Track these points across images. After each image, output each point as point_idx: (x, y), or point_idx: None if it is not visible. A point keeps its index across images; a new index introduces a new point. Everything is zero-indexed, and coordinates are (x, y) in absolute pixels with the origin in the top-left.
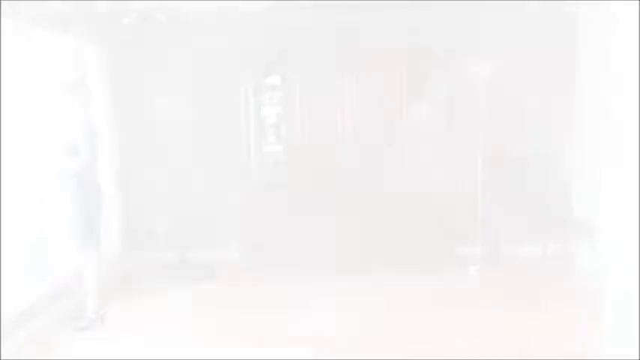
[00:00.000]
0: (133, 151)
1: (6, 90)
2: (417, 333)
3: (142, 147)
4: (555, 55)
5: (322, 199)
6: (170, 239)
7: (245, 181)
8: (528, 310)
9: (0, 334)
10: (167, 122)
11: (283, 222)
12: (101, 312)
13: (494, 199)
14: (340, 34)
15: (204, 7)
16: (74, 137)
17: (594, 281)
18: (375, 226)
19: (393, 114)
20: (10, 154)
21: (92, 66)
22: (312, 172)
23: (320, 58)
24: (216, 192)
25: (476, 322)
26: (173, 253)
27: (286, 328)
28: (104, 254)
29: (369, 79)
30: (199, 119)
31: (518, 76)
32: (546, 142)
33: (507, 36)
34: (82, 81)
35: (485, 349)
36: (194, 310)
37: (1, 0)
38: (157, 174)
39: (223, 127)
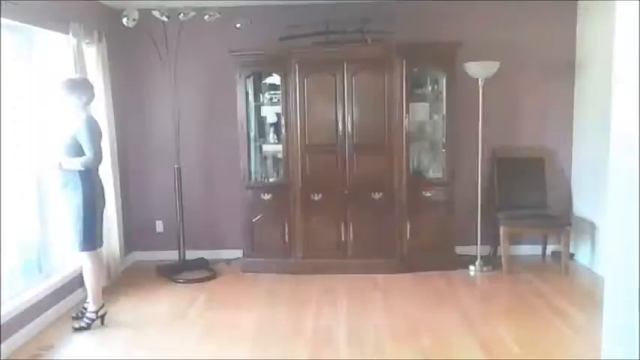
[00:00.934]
0: (133, 151)
1: (8, 90)
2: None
3: (141, 147)
4: (555, 55)
5: (322, 198)
6: (170, 239)
7: (245, 181)
8: (528, 309)
9: (0, 334)
10: (167, 122)
11: (283, 222)
12: (101, 312)
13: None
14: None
15: (204, 6)
16: (80, 135)
17: (594, 281)
18: (375, 226)
19: (393, 113)
20: (13, 153)
21: (92, 65)
22: (312, 172)
23: (320, 57)
24: (216, 192)
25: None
26: (173, 253)
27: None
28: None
29: (369, 79)
30: (199, 119)
31: (518, 75)
32: (546, 141)
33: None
34: (85, 79)
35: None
36: (194, 309)
37: (1, 0)
38: (156, 174)
39: (223, 127)
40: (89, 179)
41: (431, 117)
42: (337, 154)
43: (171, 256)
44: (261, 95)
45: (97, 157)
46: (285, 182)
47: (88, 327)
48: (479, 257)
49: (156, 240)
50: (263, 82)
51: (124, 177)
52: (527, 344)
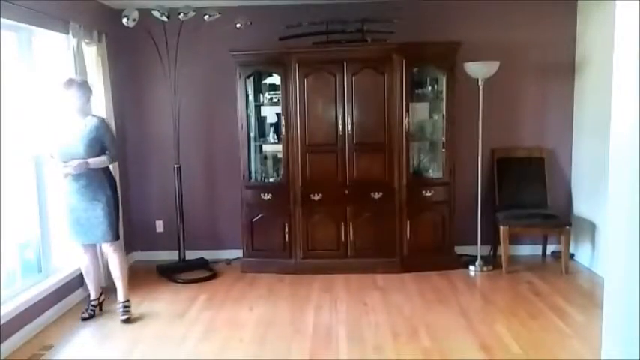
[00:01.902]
0: (133, 151)
1: (8, 90)
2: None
3: (141, 146)
4: (555, 55)
5: (322, 198)
6: (170, 239)
7: (245, 181)
8: (528, 309)
9: (0, 334)
10: (167, 122)
11: (283, 222)
12: (101, 299)
13: (494, 199)
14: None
15: (204, 6)
16: (101, 134)
17: (594, 281)
18: (375, 226)
19: (393, 113)
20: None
21: (92, 65)
22: (312, 172)
23: (320, 57)
24: (216, 192)
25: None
26: (173, 253)
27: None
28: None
29: (369, 79)
30: (199, 119)
31: (518, 75)
32: (546, 141)
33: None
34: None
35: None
36: (194, 309)
37: (1, 0)
38: (156, 174)
39: (223, 127)
40: (111, 174)
41: (431, 117)
42: (337, 154)
43: (171, 256)
44: (261, 95)
45: (118, 153)
46: (285, 182)
47: (90, 316)
48: (479, 257)
49: (156, 240)
50: (263, 82)
51: (123, 177)
52: (527, 344)
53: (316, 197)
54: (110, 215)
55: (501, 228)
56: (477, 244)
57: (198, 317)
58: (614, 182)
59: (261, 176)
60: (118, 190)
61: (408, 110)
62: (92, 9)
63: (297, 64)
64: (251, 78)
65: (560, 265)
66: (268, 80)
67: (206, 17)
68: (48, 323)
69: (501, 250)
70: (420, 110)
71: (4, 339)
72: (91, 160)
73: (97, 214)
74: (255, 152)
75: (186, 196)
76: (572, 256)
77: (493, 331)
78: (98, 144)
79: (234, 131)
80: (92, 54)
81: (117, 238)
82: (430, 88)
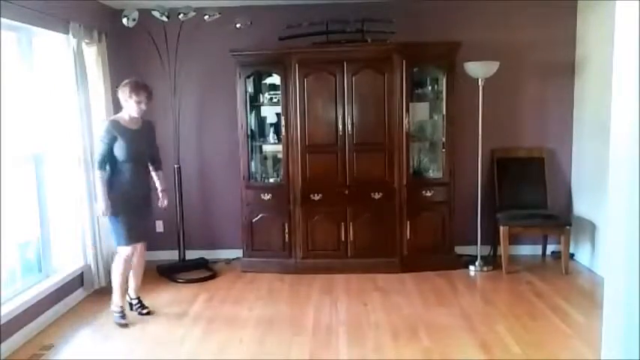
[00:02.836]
0: None
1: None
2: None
3: None
4: (555, 55)
5: (322, 198)
6: (170, 239)
7: (245, 181)
8: (528, 309)
9: (0, 334)
10: (167, 122)
11: (283, 222)
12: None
13: (494, 199)
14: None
15: (204, 6)
16: (154, 137)
17: (594, 281)
18: (375, 226)
19: (393, 113)
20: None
21: (92, 65)
22: (312, 172)
23: (320, 57)
24: (216, 192)
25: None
26: (173, 253)
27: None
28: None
29: (369, 79)
30: (199, 119)
31: (518, 75)
32: (546, 141)
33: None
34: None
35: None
36: (194, 309)
37: (1, 0)
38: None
39: (223, 127)
40: None
41: (431, 117)
42: (337, 154)
43: (171, 256)
44: (261, 95)
45: None
46: (285, 182)
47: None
48: (479, 257)
49: (156, 240)
50: (263, 82)
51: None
52: (527, 344)
53: (316, 197)
54: None
55: (501, 228)
56: (477, 244)
57: (198, 317)
58: (614, 182)
59: (261, 176)
60: None
61: (408, 110)
62: (92, 9)
63: (297, 64)
64: (251, 78)
65: (561, 266)
66: (268, 80)
67: (206, 17)
68: (48, 323)
69: (501, 250)
70: (420, 110)
71: (4, 339)
72: (165, 185)
73: (150, 215)
74: (255, 152)
75: (186, 196)
76: (572, 256)
77: (493, 331)
78: (154, 146)
79: (234, 131)
80: (92, 54)
81: None
82: (430, 88)
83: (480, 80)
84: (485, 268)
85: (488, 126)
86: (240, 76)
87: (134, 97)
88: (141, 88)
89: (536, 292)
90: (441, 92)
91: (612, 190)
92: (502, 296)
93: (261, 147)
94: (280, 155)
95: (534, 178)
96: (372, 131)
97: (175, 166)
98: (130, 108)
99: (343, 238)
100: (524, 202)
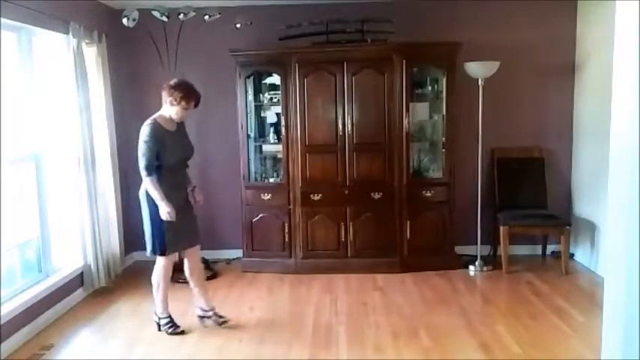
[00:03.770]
0: (133, 151)
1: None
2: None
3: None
4: (555, 55)
5: (322, 198)
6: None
7: (245, 181)
8: (528, 309)
9: (0, 334)
10: None
11: (283, 222)
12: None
13: (494, 199)
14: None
15: (204, 6)
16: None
17: (594, 281)
18: (375, 226)
19: (393, 113)
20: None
21: (92, 65)
22: (312, 172)
23: (320, 57)
24: (216, 192)
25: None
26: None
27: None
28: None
29: (369, 79)
30: (199, 119)
31: (518, 75)
32: (546, 141)
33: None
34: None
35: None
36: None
37: (1, 0)
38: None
39: (223, 127)
40: None
41: (431, 117)
42: (337, 154)
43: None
44: (261, 95)
45: None
46: (285, 182)
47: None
48: (479, 257)
49: None
50: (263, 82)
51: (123, 177)
52: (527, 344)
53: (316, 197)
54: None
55: (501, 228)
56: (477, 244)
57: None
58: (614, 182)
59: (261, 176)
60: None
61: (408, 110)
62: (92, 9)
63: (297, 64)
64: (251, 78)
65: (560, 266)
66: (268, 80)
67: (206, 17)
68: (48, 323)
69: (501, 250)
70: (420, 110)
71: (4, 339)
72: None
73: (194, 219)
74: (255, 152)
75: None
76: (572, 256)
77: (493, 331)
78: (190, 147)
79: (234, 131)
80: (92, 54)
81: None
82: (430, 88)
83: (480, 80)
84: (485, 268)
85: (488, 126)
86: (240, 76)
87: (183, 104)
88: (193, 95)
89: (536, 292)
90: (441, 92)
91: (612, 190)
92: (502, 296)
93: (261, 147)
94: (280, 155)
95: (534, 178)
96: (372, 131)
97: None
98: (174, 111)
99: (343, 238)
100: (524, 202)
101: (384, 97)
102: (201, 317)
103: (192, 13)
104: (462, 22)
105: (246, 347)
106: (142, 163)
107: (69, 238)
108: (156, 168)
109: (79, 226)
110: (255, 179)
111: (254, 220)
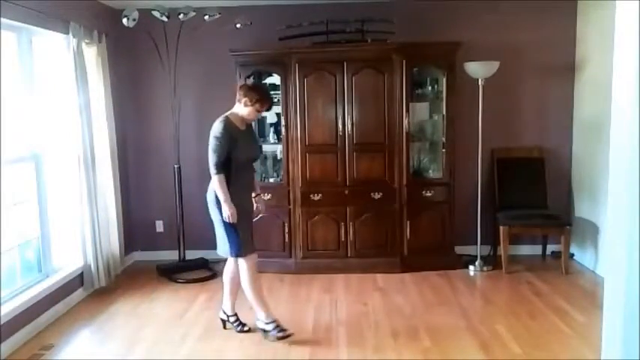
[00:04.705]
0: (133, 151)
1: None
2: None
3: (141, 146)
4: (555, 55)
5: (322, 198)
6: (170, 239)
7: None
8: (528, 309)
9: (0, 334)
10: (167, 122)
11: (283, 222)
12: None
13: (494, 199)
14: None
15: (204, 6)
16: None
17: (594, 281)
18: (375, 226)
19: (393, 113)
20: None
21: (92, 65)
22: (312, 172)
23: (320, 57)
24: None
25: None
26: (173, 253)
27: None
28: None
29: (369, 79)
30: (199, 119)
31: (518, 75)
32: (546, 141)
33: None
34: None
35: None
36: (194, 309)
37: (1, 0)
38: (156, 173)
39: None
40: None
41: (431, 117)
42: (337, 154)
43: (171, 256)
44: None
45: None
46: (285, 182)
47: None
48: (479, 257)
49: (156, 240)
50: (263, 82)
51: (123, 177)
52: (527, 344)
53: (316, 197)
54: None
55: (501, 228)
56: (477, 244)
57: (198, 317)
58: (614, 182)
59: (261, 176)
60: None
61: (408, 110)
62: (92, 9)
63: (297, 64)
64: (251, 78)
65: (561, 266)
66: (268, 80)
67: (206, 17)
68: (48, 323)
69: (501, 250)
70: (420, 110)
71: (4, 339)
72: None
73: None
74: None
75: (186, 195)
76: (572, 256)
77: (493, 331)
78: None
79: None
80: (92, 54)
81: None
82: (430, 88)
83: (480, 80)
84: (485, 268)
85: (488, 126)
86: (240, 76)
87: (257, 106)
88: (268, 100)
89: (536, 292)
90: (441, 92)
91: (612, 190)
92: (502, 296)
93: (260, 147)
94: (280, 155)
95: (534, 178)
96: (372, 131)
97: (175, 166)
98: (247, 111)
99: (343, 238)
100: (524, 202)
101: (384, 97)
102: (224, 321)
103: (192, 13)
104: (462, 22)
105: (246, 347)
106: (212, 159)
107: (69, 238)
108: (225, 167)
109: (79, 226)
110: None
111: (254, 220)
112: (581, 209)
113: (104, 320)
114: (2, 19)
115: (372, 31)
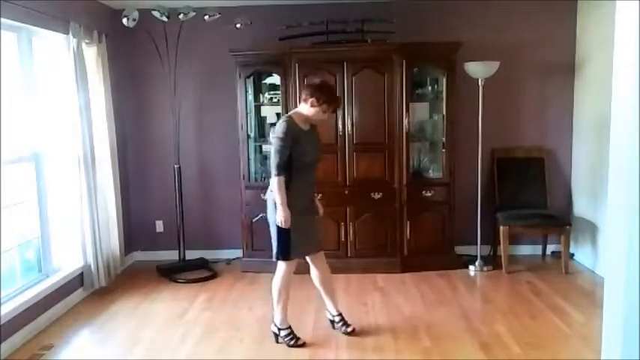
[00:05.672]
0: (133, 151)
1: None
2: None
3: (141, 146)
4: (555, 55)
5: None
6: (170, 239)
7: (245, 181)
8: (528, 309)
9: (0, 334)
10: (167, 122)
11: None
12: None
13: (494, 199)
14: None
15: (204, 6)
16: None
17: (594, 281)
18: (375, 226)
19: (393, 113)
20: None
21: (92, 65)
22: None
23: (320, 57)
24: (216, 192)
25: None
26: (173, 253)
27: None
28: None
29: (369, 79)
30: (199, 119)
31: (518, 75)
32: (546, 141)
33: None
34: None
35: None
36: (194, 309)
37: (1, 0)
38: (156, 174)
39: (223, 127)
40: None
41: (431, 117)
42: (337, 154)
43: (171, 256)
44: (261, 95)
45: None
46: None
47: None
48: (479, 257)
49: (156, 240)
50: (263, 82)
51: (123, 177)
52: (527, 344)
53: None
54: None
55: (501, 228)
56: (477, 244)
57: (198, 317)
58: (614, 182)
59: (261, 176)
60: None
61: (408, 110)
62: (92, 9)
63: (297, 64)
64: (251, 78)
65: (561, 265)
66: (268, 80)
67: (206, 17)
68: (48, 323)
69: (501, 250)
70: (420, 110)
71: (4, 339)
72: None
73: (317, 224)
74: (255, 152)
75: (186, 196)
76: (572, 256)
77: (493, 331)
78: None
79: (234, 131)
80: (92, 54)
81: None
82: (430, 88)
83: (480, 80)
84: (485, 268)
85: (488, 126)
86: (240, 76)
87: (324, 107)
88: (336, 101)
89: (536, 291)
90: (441, 92)
91: (612, 190)
92: (502, 296)
93: (260, 147)
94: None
95: (534, 178)
96: (372, 131)
97: (175, 166)
98: (312, 112)
99: (343, 238)
100: (524, 202)
101: (384, 97)
102: (331, 321)
103: (192, 13)
104: (462, 22)
105: (246, 347)
106: (274, 160)
107: (69, 238)
108: (286, 168)
109: (79, 226)
110: (255, 179)
111: (254, 220)
112: (581, 209)
113: (104, 320)
114: (2, 19)
115: (372, 31)
